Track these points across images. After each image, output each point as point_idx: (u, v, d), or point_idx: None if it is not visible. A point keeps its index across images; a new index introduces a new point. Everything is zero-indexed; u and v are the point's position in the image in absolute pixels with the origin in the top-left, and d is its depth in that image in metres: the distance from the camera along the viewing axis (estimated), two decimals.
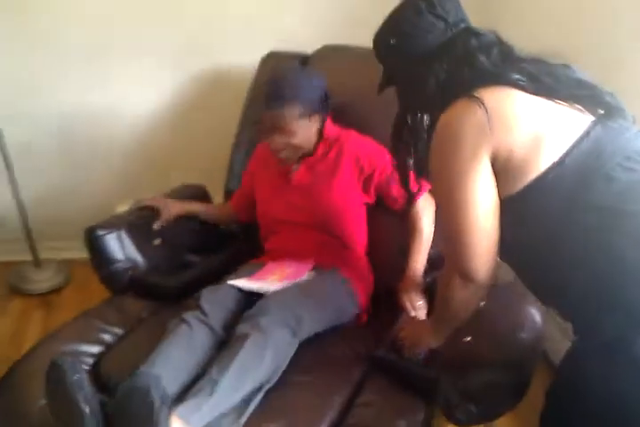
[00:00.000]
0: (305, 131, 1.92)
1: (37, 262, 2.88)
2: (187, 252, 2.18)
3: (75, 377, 1.33)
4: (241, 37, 2.58)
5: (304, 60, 2.36)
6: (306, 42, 2.39)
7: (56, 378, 1.36)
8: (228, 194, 2.34)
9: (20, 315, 2.71)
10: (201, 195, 2.35)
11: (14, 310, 2.74)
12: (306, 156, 1.98)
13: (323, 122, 1.96)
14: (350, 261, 2.01)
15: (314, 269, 1.93)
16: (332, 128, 1.99)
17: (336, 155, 1.96)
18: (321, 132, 1.97)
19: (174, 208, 2.12)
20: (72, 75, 2.64)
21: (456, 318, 1.43)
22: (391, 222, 2.04)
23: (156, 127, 2.80)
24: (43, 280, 2.86)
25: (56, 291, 2.85)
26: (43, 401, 1.55)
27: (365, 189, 1.98)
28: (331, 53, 2.35)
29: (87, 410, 1.30)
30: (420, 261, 1.95)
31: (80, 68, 2.62)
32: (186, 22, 2.56)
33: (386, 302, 1.99)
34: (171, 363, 1.55)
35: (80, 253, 2.20)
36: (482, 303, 1.84)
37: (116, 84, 2.69)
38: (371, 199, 2.00)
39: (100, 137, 2.80)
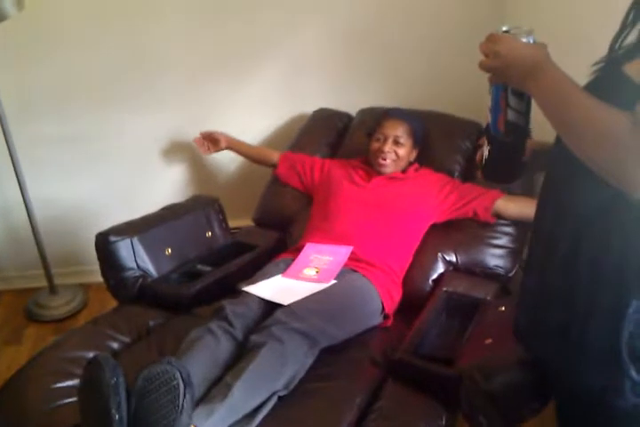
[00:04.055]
0: (408, 150, 2.23)
1: (53, 289, 2.85)
2: (197, 262, 2.15)
3: (112, 380, 1.29)
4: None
5: (348, 119, 2.69)
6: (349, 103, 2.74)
7: (93, 376, 1.32)
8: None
9: (36, 342, 2.65)
10: (213, 205, 2.36)
11: (30, 338, 2.70)
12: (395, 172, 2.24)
13: (415, 158, 2.29)
14: (387, 267, 2.01)
15: (344, 270, 1.94)
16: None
17: (419, 177, 2.22)
18: (411, 163, 2.28)
19: (225, 142, 2.54)
20: None
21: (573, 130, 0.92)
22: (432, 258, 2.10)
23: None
24: (58, 306, 2.83)
25: (72, 317, 2.81)
26: (45, 406, 1.53)
27: (446, 209, 2.13)
28: (368, 114, 2.59)
29: (116, 417, 1.26)
30: None
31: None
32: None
33: (405, 306, 1.98)
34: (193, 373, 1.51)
35: (96, 277, 2.18)
36: (502, 308, 1.83)
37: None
38: (442, 218, 2.15)
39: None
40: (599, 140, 0.87)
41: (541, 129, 1.05)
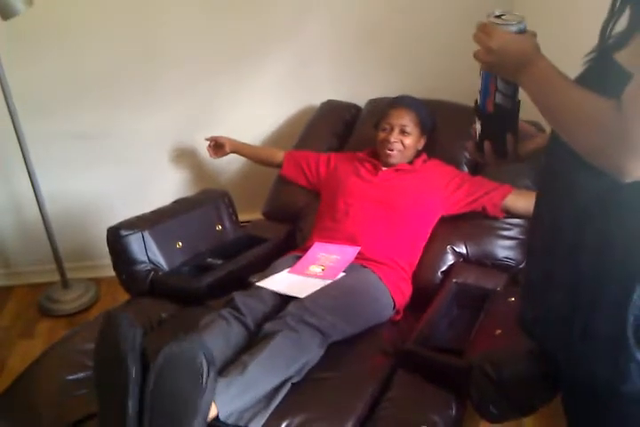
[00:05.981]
0: (415, 139, 2.21)
1: (65, 283, 2.87)
2: (207, 255, 2.15)
3: (129, 341, 1.31)
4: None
5: (356, 110, 2.70)
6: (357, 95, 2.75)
7: (110, 336, 1.34)
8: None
9: (49, 336, 2.67)
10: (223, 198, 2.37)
11: (43, 332, 2.72)
12: (402, 163, 2.22)
13: (422, 146, 2.26)
14: (395, 264, 2.01)
15: (353, 265, 1.94)
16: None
17: (427, 170, 2.20)
18: (420, 152, 2.26)
19: (230, 146, 2.55)
20: None
21: (558, 115, 0.95)
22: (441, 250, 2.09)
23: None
24: (71, 300, 2.84)
25: (84, 311, 2.83)
26: (58, 398, 1.56)
27: (454, 203, 2.12)
28: (377, 104, 2.57)
29: (133, 372, 1.27)
30: None
31: None
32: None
33: (415, 299, 1.98)
34: None
35: (108, 271, 2.21)
36: (512, 299, 1.83)
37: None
38: (451, 212, 2.14)
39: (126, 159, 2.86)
40: (584, 127, 0.88)
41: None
